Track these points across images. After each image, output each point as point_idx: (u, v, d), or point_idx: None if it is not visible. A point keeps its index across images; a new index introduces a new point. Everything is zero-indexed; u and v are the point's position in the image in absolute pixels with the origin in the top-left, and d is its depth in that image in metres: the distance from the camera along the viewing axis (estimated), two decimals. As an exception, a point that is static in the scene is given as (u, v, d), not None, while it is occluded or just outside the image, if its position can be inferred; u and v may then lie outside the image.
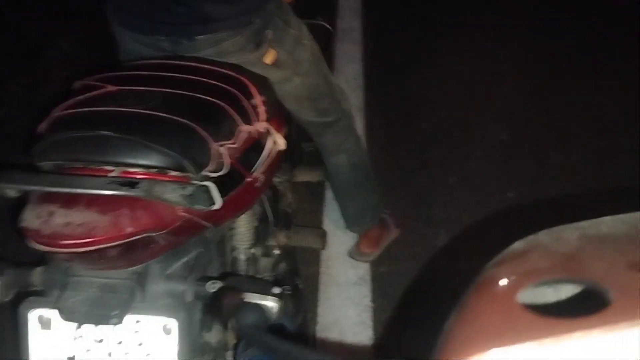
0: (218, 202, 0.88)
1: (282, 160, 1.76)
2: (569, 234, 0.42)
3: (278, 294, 0.88)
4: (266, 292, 0.88)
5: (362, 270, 1.93)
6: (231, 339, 1.33)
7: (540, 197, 2.22)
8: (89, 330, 0.87)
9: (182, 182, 0.82)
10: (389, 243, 1.98)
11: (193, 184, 0.84)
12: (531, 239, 0.43)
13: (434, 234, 2.07)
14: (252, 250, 1.42)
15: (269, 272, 1.46)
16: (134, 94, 0.95)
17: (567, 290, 0.43)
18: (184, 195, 0.80)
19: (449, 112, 2.71)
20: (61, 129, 0.87)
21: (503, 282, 0.39)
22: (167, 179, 0.86)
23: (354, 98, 2.79)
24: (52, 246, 0.74)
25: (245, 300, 0.87)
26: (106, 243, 0.75)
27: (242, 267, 1.38)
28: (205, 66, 1.10)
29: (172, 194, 0.79)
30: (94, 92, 0.95)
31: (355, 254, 1.92)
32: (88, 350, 0.88)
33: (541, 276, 0.38)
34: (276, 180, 1.73)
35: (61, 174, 0.82)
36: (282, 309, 0.88)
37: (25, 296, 0.89)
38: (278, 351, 0.61)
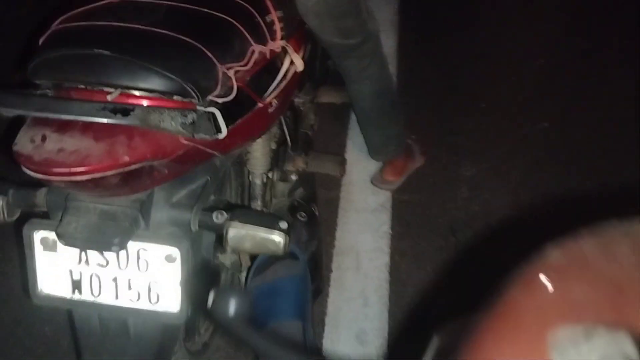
0: (224, 131, 0.82)
1: (303, 80, 1.68)
2: (619, 243, 0.31)
3: (285, 229, 0.85)
4: (273, 226, 0.84)
5: (382, 197, 1.89)
6: (245, 261, 1.33)
7: (576, 129, 2.11)
8: (93, 253, 0.86)
9: (184, 109, 0.76)
10: (413, 171, 1.92)
11: (196, 110, 0.78)
12: (571, 246, 0.32)
13: (459, 163, 2.00)
14: (269, 175, 1.38)
15: (285, 197, 1.43)
16: (137, 6, 0.87)
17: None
18: (185, 123, 0.75)
19: (486, 32, 2.55)
20: (57, 44, 0.81)
21: (531, 311, 0.29)
22: (169, 104, 0.80)
23: (387, 12, 2.65)
24: (43, 173, 0.71)
25: (251, 233, 0.84)
26: (100, 172, 0.71)
27: (257, 192, 1.35)
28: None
29: (172, 123, 0.73)
30: (95, 5, 0.88)
31: (377, 181, 1.87)
32: (93, 274, 0.87)
33: (582, 315, 0.28)
34: (297, 100, 1.66)
35: (53, 97, 0.77)
36: (288, 245, 0.85)
37: (29, 217, 0.88)
38: (254, 346, 0.56)
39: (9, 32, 2.32)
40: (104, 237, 0.78)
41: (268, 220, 0.86)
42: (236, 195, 1.50)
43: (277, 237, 0.85)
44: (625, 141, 2.04)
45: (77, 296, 0.88)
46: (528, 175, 1.96)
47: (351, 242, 1.79)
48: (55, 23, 0.87)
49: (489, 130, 2.12)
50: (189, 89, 0.80)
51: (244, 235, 0.85)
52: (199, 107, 0.82)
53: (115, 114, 0.70)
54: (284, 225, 0.86)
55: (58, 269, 0.87)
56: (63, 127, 0.73)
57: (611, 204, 1.85)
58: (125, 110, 0.70)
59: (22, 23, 2.34)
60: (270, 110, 1.03)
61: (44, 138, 0.72)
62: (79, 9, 0.88)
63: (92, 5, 0.89)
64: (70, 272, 0.87)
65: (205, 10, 0.90)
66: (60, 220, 0.81)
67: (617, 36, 2.48)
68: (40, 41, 0.85)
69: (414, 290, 1.67)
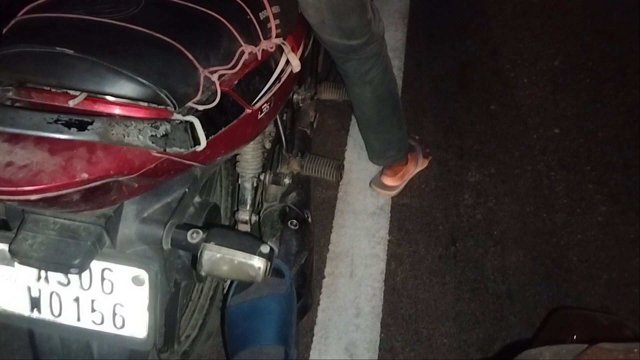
0: (203, 143, 0.73)
1: (304, 75, 1.58)
2: None
3: (266, 253, 0.76)
4: (252, 250, 0.76)
5: (381, 200, 1.80)
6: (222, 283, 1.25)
7: (589, 137, 2.01)
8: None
9: (155, 120, 0.67)
10: (415, 174, 1.83)
11: (170, 120, 0.69)
12: None
13: (464, 167, 1.91)
14: (260, 177, 1.30)
15: (277, 202, 1.34)
16: None
17: None
18: (156, 136, 0.66)
19: (500, 28, 2.44)
20: (17, 39, 0.71)
21: None
22: (140, 112, 0.71)
23: (398, 2, 2.54)
24: None
25: (228, 256, 0.76)
26: (53, 192, 0.62)
27: (247, 196, 1.27)
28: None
29: (139, 136, 0.64)
30: (68, -8, 0.79)
31: (376, 185, 1.78)
32: (52, 293, 0.79)
33: None
34: (297, 96, 1.57)
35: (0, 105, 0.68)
36: (269, 270, 0.77)
37: (-14, 226, 0.80)
38: None
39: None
40: (62, 257, 0.70)
41: (248, 243, 0.77)
42: (226, 194, 1.42)
43: (257, 263, 0.76)
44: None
45: (35, 315, 0.80)
46: (536, 184, 1.87)
47: (346, 247, 1.71)
48: (21, 12, 0.77)
49: (497, 134, 2.03)
50: (163, 95, 0.71)
51: (219, 258, 0.76)
52: (175, 116, 0.74)
53: (70, 127, 0.60)
54: (265, 249, 0.77)
55: (16, 284, 0.79)
56: (15, 136, 0.64)
57: (624, 218, 1.77)
58: (82, 124, 0.61)
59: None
60: (261, 115, 0.94)
61: (-9, 148, 0.63)
62: (48, -3, 0.78)
63: (64, -8, 0.79)
64: (29, 288, 0.80)
65: (190, 5, 0.80)
66: (15, 234, 0.73)
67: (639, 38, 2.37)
68: (3, 32, 0.76)
69: (409, 302, 1.59)
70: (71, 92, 0.71)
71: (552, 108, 2.12)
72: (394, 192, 1.77)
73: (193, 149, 0.72)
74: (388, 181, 1.74)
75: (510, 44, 2.37)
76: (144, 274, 0.76)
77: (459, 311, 1.57)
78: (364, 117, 1.55)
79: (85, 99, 0.69)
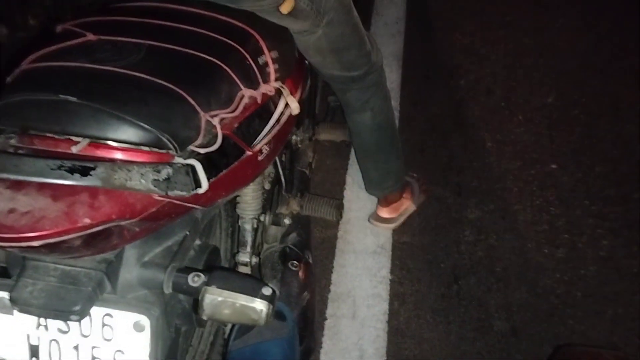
0: (204, 186, 0.74)
1: (302, 117, 1.61)
2: None
3: (268, 295, 0.76)
4: (254, 293, 0.75)
5: (382, 238, 1.80)
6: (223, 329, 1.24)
7: (586, 171, 2.02)
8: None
9: (157, 164, 0.68)
10: (413, 211, 1.83)
11: (172, 164, 0.70)
12: None
13: (463, 204, 1.91)
14: (260, 218, 1.30)
15: (277, 243, 1.34)
16: (114, 46, 0.80)
17: None
18: (159, 180, 0.67)
19: (493, 67, 2.49)
20: (22, 87, 0.73)
21: None
22: (143, 157, 0.72)
23: (393, 44, 2.59)
24: None
25: (230, 300, 0.75)
26: (55, 237, 0.62)
27: (247, 237, 1.26)
28: (209, 14, 0.93)
29: (141, 180, 0.65)
30: (70, 42, 0.81)
31: (374, 219, 1.78)
32: (52, 341, 0.78)
33: None
34: (295, 137, 1.59)
35: (2, 152, 0.68)
36: (272, 313, 0.76)
37: (-14, 274, 0.79)
38: None
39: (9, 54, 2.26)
40: (62, 304, 0.69)
41: (249, 286, 0.77)
42: (226, 236, 1.41)
43: (259, 305, 0.76)
44: None
45: (34, 363, 0.79)
46: (536, 220, 1.87)
47: (348, 287, 1.69)
48: (26, 61, 0.79)
49: (495, 171, 2.04)
50: (165, 140, 0.71)
51: (221, 302, 0.76)
52: (177, 159, 0.74)
53: (72, 173, 0.61)
54: (267, 291, 0.77)
55: (14, 332, 0.78)
56: (18, 183, 0.64)
57: (626, 252, 1.76)
58: (85, 169, 0.62)
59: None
60: (261, 157, 0.95)
61: (-7, 195, 0.64)
62: (52, 47, 0.80)
63: (67, 43, 0.81)
64: (28, 337, 0.78)
65: (191, 52, 0.82)
66: (16, 282, 0.72)
67: (632, 74, 2.41)
68: (7, 81, 0.78)
69: (413, 342, 1.57)
70: (74, 138, 0.71)
71: (548, 144, 2.14)
72: (392, 225, 1.77)
73: (194, 191, 0.73)
74: (384, 213, 1.74)
75: (504, 83, 2.41)
76: (145, 320, 0.75)
77: (464, 350, 1.54)
78: (363, 146, 1.57)
79: (88, 144, 0.70)
